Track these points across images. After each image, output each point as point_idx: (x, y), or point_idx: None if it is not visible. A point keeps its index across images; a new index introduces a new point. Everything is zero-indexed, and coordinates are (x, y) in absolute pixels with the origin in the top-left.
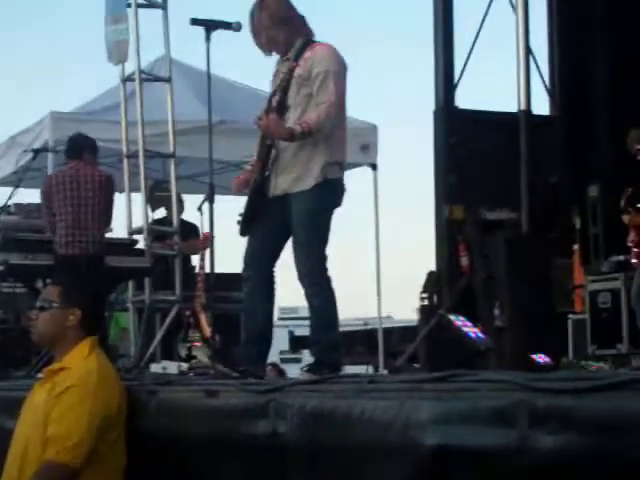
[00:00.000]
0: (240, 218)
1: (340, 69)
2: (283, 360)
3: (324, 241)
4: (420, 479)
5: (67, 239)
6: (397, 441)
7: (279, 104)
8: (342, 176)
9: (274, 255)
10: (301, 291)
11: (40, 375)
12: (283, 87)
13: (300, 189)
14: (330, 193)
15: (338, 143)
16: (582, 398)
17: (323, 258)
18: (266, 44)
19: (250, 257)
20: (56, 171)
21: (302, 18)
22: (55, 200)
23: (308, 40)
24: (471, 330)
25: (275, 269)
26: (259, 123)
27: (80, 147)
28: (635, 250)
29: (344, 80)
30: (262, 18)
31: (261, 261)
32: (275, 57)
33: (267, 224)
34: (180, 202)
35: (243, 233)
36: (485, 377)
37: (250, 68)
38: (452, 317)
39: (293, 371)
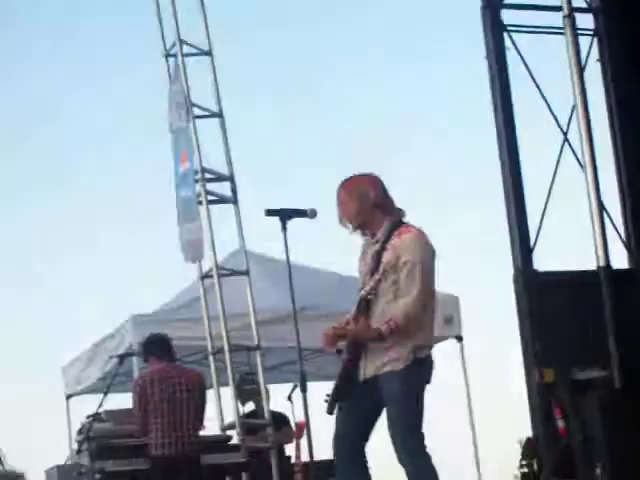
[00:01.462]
0: (327, 397)
1: (427, 258)
2: None
3: (418, 418)
4: None
5: (163, 440)
6: None
7: (366, 299)
8: (431, 353)
9: (364, 435)
10: (399, 475)
11: None
12: (371, 273)
13: (390, 370)
14: (420, 371)
15: (427, 327)
16: None
17: (420, 437)
18: (355, 226)
19: (338, 437)
20: (143, 373)
21: (392, 201)
22: (150, 402)
23: (396, 223)
24: None
25: (365, 450)
26: (348, 329)
27: (152, 348)
28: None
29: (432, 268)
30: (359, 202)
31: (351, 442)
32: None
33: (355, 403)
34: (267, 392)
35: (330, 412)
36: None
37: (325, 253)
38: None
39: None
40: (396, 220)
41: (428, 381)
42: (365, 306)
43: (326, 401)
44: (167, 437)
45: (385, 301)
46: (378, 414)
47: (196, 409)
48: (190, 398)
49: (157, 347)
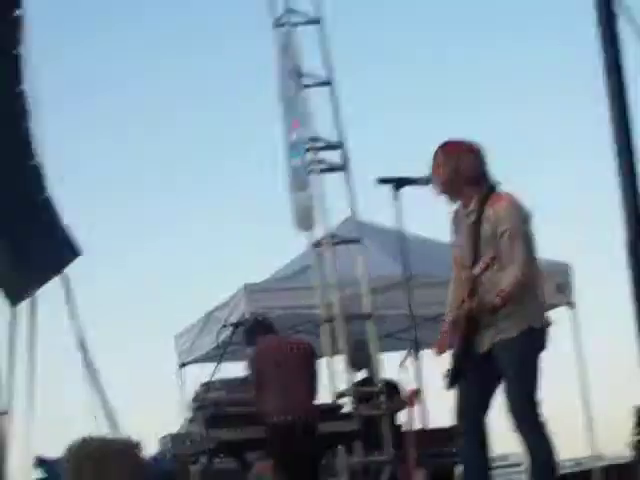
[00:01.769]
0: (446, 372)
1: (524, 222)
2: None
3: (534, 385)
4: None
5: (280, 408)
6: None
7: (477, 275)
8: (543, 321)
9: (484, 406)
10: (511, 438)
11: None
12: (473, 250)
13: (503, 338)
14: (534, 339)
15: (537, 294)
16: None
17: (535, 402)
18: (450, 196)
19: (460, 411)
20: (258, 344)
21: (488, 173)
22: (265, 371)
23: (489, 192)
24: None
25: (487, 420)
26: (464, 307)
27: (252, 331)
28: None
29: (530, 231)
30: (437, 172)
31: (472, 414)
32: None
33: (473, 376)
34: (379, 361)
35: (450, 387)
36: None
37: (436, 220)
38: None
39: None
40: (486, 191)
41: (543, 349)
42: (475, 283)
43: (446, 376)
44: (284, 405)
45: (490, 272)
46: (496, 384)
47: (310, 378)
48: (303, 367)
49: (261, 327)
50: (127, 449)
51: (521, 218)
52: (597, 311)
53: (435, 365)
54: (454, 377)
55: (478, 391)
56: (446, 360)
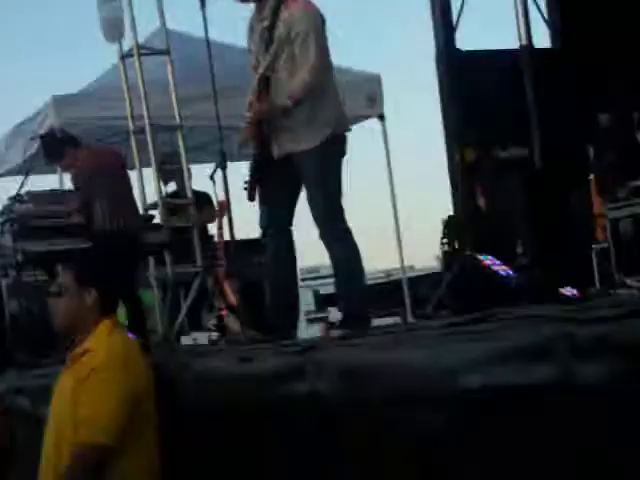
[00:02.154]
0: (246, 184)
1: (318, 26)
2: (310, 320)
3: (338, 193)
4: (466, 422)
5: (106, 216)
6: (438, 388)
7: (265, 77)
8: (343, 127)
9: (288, 214)
10: (323, 250)
11: None
12: (264, 52)
13: (305, 148)
14: (334, 145)
15: (332, 98)
16: (619, 325)
17: (340, 210)
18: None
19: (265, 221)
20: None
21: None
22: (92, 180)
23: None
24: (501, 268)
25: (292, 227)
26: (252, 111)
27: (58, 146)
28: None
29: (324, 35)
30: None
31: (276, 223)
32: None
33: (275, 186)
34: (188, 172)
35: (251, 198)
36: (521, 314)
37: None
38: (481, 256)
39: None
40: None
41: (343, 154)
42: (265, 84)
43: (245, 188)
44: (114, 213)
45: (284, 77)
46: (298, 190)
47: (130, 187)
48: (123, 175)
49: (63, 142)
50: None
51: (316, 22)
52: (406, 123)
53: (244, 176)
54: (253, 188)
55: (280, 199)
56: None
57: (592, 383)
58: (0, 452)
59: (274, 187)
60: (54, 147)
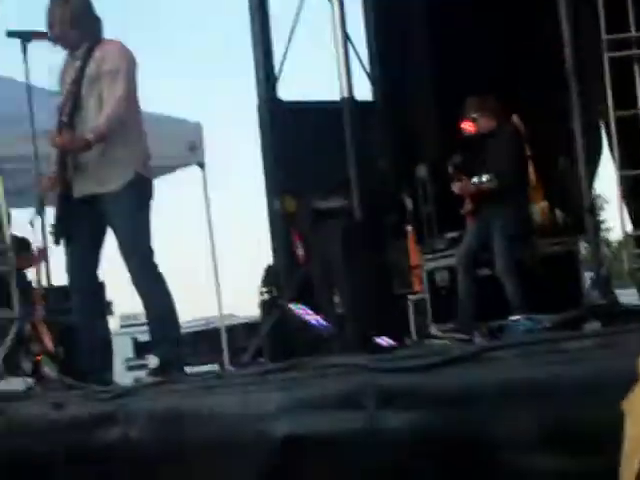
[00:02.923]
0: (52, 228)
1: (130, 65)
2: (129, 367)
3: (147, 237)
4: (274, 470)
5: None
6: (248, 434)
7: (71, 113)
8: (149, 172)
9: (93, 262)
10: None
11: None
12: (74, 91)
13: (110, 190)
14: (141, 188)
15: (137, 139)
16: (429, 374)
17: (150, 254)
18: (58, 38)
19: (71, 268)
20: None
21: (98, 20)
22: None
23: (97, 39)
24: (313, 318)
25: (97, 275)
26: (54, 142)
27: None
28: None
29: (134, 76)
30: (61, 14)
31: (82, 270)
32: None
33: (80, 230)
34: (8, 216)
35: (57, 242)
36: (329, 362)
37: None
38: (293, 306)
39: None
40: (95, 37)
41: (150, 197)
42: (69, 121)
43: (51, 233)
44: None
45: (92, 115)
46: (102, 236)
47: None
48: None
49: None
50: None
51: (128, 61)
52: (227, 170)
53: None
54: (59, 233)
55: (85, 247)
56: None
57: (396, 432)
58: None
59: (79, 231)
60: None
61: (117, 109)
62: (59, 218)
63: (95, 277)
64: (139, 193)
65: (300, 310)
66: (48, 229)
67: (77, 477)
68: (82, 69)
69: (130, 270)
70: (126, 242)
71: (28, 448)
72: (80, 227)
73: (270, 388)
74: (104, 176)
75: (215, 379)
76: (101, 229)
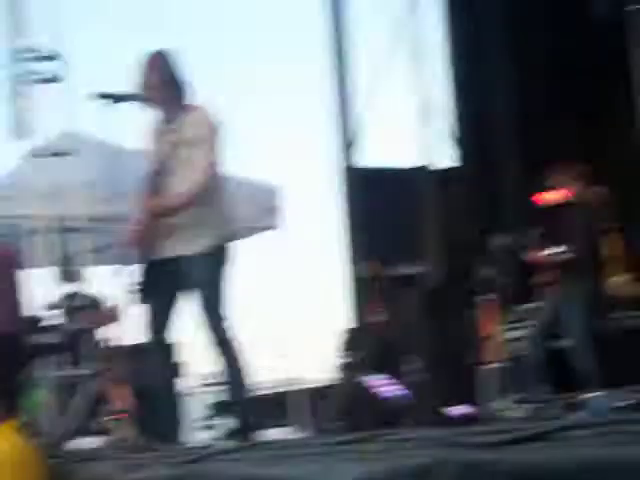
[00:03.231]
0: (135, 287)
1: (217, 133)
2: (202, 427)
3: (222, 302)
4: None
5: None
6: None
7: (158, 177)
8: (232, 235)
9: (168, 321)
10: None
11: None
12: (162, 155)
13: (192, 252)
14: (222, 253)
15: (220, 203)
16: (504, 451)
17: (222, 319)
18: (149, 101)
19: (148, 327)
20: None
21: (188, 84)
22: None
23: (186, 104)
24: (389, 388)
25: (170, 334)
26: (143, 206)
27: None
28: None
29: (220, 143)
30: (151, 77)
31: (158, 330)
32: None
33: (161, 291)
34: (82, 275)
35: (143, 301)
36: (406, 435)
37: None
38: (369, 378)
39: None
40: (185, 102)
41: (230, 263)
42: (155, 184)
43: (135, 292)
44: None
45: (176, 179)
46: (180, 295)
47: (15, 288)
48: (6, 277)
49: None
50: None
51: (212, 127)
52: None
53: (135, 280)
54: (142, 292)
55: (164, 307)
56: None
57: None
58: None
59: (159, 291)
60: None
61: (205, 177)
62: (143, 278)
63: (168, 337)
64: (220, 258)
65: (379, 380)
66: (130, 288)
67: None
68: (171, 134)
69: (207, 332)
70: (205, 305)
71: None
72: (160, 288)
73: (345, 459)
74: (187, 239)
75: (289, 447)
76: (179, 290)
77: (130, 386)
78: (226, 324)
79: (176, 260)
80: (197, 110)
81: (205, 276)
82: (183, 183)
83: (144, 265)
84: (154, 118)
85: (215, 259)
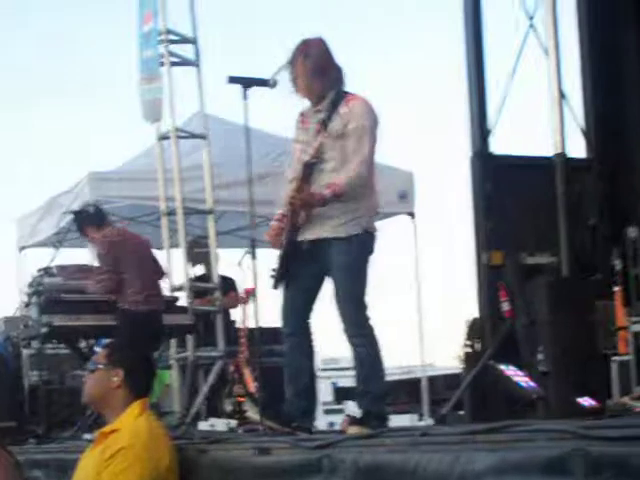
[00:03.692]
0: (273, 272)
1: (374, 125)
2: (327, 412)
3: (364, 289)
4: None
5: (136, 295)
6: None
7: (309, 164)
8: (374, 224)
9: (308, 308)
10: (342, 341)
11: (86, 436)
12: (315, 144)
13: (336, 237)
14: (366, 241)
15: (370, 193)
16: (635, 444)
17: (364, 306)
18: (300, 89)
19: (286, 312)
20: (108, 232)
21: (340, 70)
22: (122, 258)
23: (342, 93)
24: (522, 379)
25: (310, 320)
26: (292, 202)
27: (85, 222)
28: None
29: (376, 136)
30: (302, 64)
31: (297, 315)
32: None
33: (300, 276)
34: (217, 257)
35: (275, 286)
36: (539, 427)
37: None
38: (502, 367)
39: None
40: (340, 90)
41: (372, 251)
42: (308, 173)
43: (272, 276)
44: (140, 292)
45: (330, 168)
46: (322, 283)
47: (158, 269)
48: (152, 258)
49: (96, 217)
50: None
51: (372, 119)
52: (436, 221)
53: (272, 264)
54: (280, 277)
55: (303, 292)
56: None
57: None
58: None
59: (298, 279)
60: (85, 223)
61: (360, 169)
62: (283, 263)
63: (308, 323)
64: (364, 246)
65: (509, 371)
66: (268, 271)
67: None
68: (326, 122)
69: (343, 319)
70: (343, 291)
71: None
72: (300, 272)
73: (477, 448)
74: (334, 223)
75: (422, 435)
76: (321, 276)
77: (262, 368)
78: (365, 312)
79: (318, 244)
80: (355, 99)
81: (344, 262)
82: (338, 173)
83: (286, 250)
84: (302, 106)
85: (359, 246)
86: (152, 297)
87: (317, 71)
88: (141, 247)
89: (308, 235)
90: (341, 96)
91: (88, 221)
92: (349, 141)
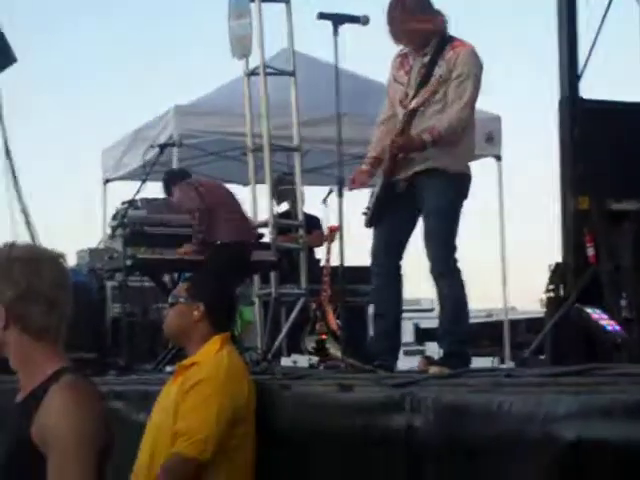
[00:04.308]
0: (366, 210)
1: (479, 72)
2: (407, 352)
3: (454, 232)
4: (559, 474)
5: (230, 230)
6: (536, 435)
7: (414, 108)
8: (470, 168)
9: (401, 248)
10: (424, 283)
11: (168, 368)
12: (417, 88)
13: (432, 179)
14: (460, 185)
15: (470, 137)
16: None
17: (453, 249)
18: (400, 35)
19: (377, 251)
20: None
21: (441, 14)
22: (215, 202)
23: (446, 38)
24: (608, 323)
25: (401, 262)
26: (392, 146)
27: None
28: None
29: (480, 82)
30: (401, 9)
31: (388, 255)
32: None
33: (394, 216)
34: (302, 194)
35: (369, 225)
36: (623, 371)
37: (377, 61)
38: (589, 310)
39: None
40: (444, 35)
41: (466, 196)
42: (410, 119)
43: (365, 214)
44: (228, 228)
45: (432, 112)
46: (415, 224)
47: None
48: (238, 201)
49: (179, 176)
50: (55, 256)
51: (478, 66)
52: (522, 165)
53: (357, 203)
54: (373, 216)
55: (396, 232)
56: (366, 198)
57: None
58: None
59: (392, 219)
60: (169, 181)
61: (462, 115)
62: (378, 202)
63: (399, 263)
64: (459, 188)
65: (596, 314)
66: (355, 210)
67: (356, 459)
68: (430, 67)
69: (431, 259)
70: (434, 232)
71: (313, 427)
72: (394, 213)
73: (561, 391)
74: (431, 165)
75: (506, 377)
76: (414, 217)
77: (345, 307)
78: (453, 254)
79: (413, 185)
80: (461, 46)
81: (438, 203)
82: (439, 118)
83: (382, 190)
84: (401, 51)
85: (454, 189)
86: (239, 232)
87: (417, 15)
88: (229, 192)
89: (404, 175)
90: (446, 41)
91: (175, 180)
92: (452, 86)
